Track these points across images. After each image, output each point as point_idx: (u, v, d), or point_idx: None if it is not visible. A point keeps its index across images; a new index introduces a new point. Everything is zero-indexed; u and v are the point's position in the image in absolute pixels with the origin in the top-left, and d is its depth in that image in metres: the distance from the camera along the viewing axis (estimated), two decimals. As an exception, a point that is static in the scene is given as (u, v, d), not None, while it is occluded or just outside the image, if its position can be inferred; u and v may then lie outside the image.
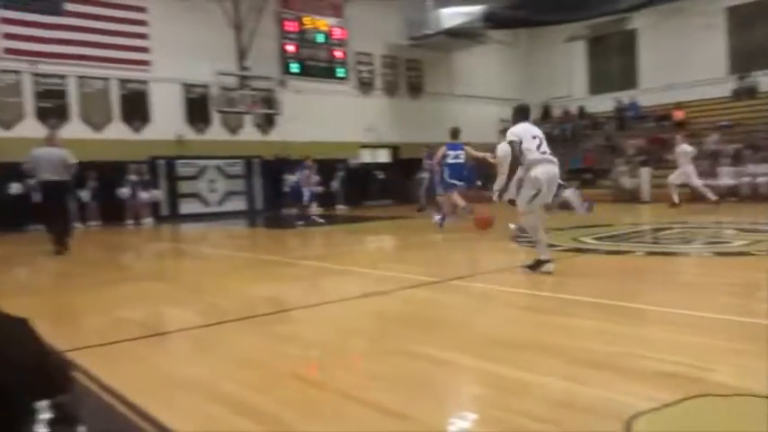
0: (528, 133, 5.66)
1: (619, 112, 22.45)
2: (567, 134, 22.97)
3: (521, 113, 5.96)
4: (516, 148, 5.57)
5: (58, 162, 8.94)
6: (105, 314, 4.97)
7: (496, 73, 25.84)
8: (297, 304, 5.10)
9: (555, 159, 5.68)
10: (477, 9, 19.77)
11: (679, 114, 20.42)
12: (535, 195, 5.56)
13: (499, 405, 2.58)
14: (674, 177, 13.66)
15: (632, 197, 16.88)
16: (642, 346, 3.35)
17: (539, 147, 5.60)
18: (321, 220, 13.71)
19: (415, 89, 23.69)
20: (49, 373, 1.48)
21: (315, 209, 14.69)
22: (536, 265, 5.63)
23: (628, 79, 23.85)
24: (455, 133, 11.38)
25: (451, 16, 20.56)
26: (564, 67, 25.69)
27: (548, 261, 5.62)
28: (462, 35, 21.45)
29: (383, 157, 23.40)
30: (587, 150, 21.22)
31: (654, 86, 22.46)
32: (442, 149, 11.10)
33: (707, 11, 20.67)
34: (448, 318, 4.36)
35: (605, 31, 22.22)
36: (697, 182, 13.40)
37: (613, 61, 24.51)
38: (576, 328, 3.86)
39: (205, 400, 2.78)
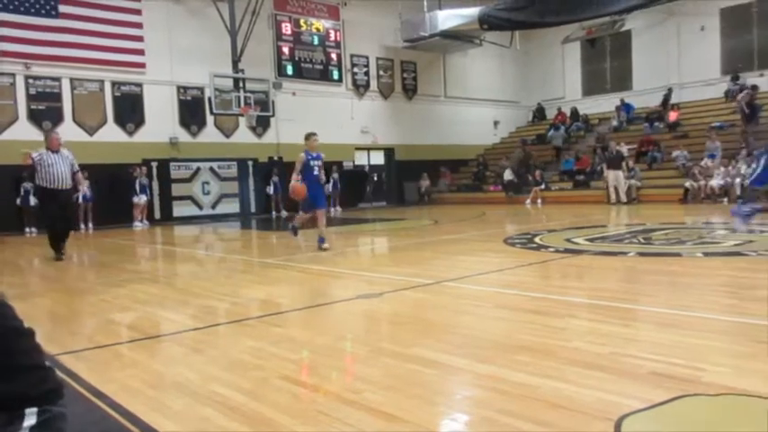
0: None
1: (616, 113, 22.50)
2: (560, 136, 22.96)
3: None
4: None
5: (69, 169, 8.76)
6: (96, 317, 4.96)
7: (491, 75, 25.92)
8: (289, 307, 5.09)
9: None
10: (472, 11, 19.81)
11: (673, 116, 20.50)
12: None
13: (490, 406, 2.58)
14: None
15: (628, 199, 16.94)
16: (634, 346, 3.36)
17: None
18: None
19: (410, 91, 23.72)
20: (46, 383, 1.52)
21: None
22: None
23: (621, 81, 23.96)
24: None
25: (447, 18, 20.61)
26: (558, 69, 25.80)
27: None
28: (457, 37, 21.50)
29: (378, 158, 23.42)
30: (580, 152, 21.26)
31: (647, 88, 22.56)
32: None
33: (701, 12, 20.79)
34: (440, 319, 4.36)
35: (600, 33, 22.33)
36: None
37: (608, 63, 24.62)
38: (568, 328, 3.86)
39: (196, 403, 2.78)
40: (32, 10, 15.61)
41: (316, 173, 8.88)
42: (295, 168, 8.86)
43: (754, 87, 18.10)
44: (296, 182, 8.70)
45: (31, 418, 1.46)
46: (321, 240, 8.87)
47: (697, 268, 6.06)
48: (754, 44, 20.50)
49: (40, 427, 1.46)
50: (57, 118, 16.08)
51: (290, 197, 9.55)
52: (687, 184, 16.04)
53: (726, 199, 15.20)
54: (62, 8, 16.02)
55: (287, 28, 20.09)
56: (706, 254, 6.84)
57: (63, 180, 8.66)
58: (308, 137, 9.14)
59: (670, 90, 21.23)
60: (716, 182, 15.57)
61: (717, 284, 5.20)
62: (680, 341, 3.39)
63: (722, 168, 15.76)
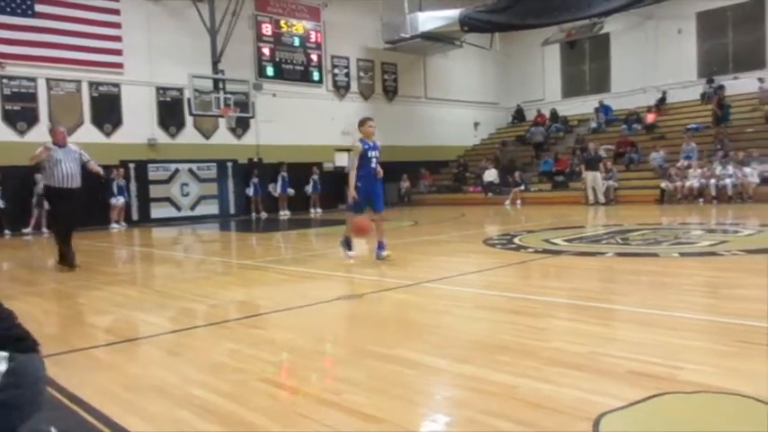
0: None
1: (595, 115, 22.73)
2: (540, 132, 23.11)
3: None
4: None
5: (77, 166, 8.02)
6: (72, 320, 4.88)
7: (471, 76, 26.01)
8: (270, 308, 5.06)
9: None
10: (453, 13, 19.89)
11: (651, 117, 20.75)
12: None
13: (471, 406, 2.59)
14: None
15: (606, 200, 17.10)
16: (612, 345, 3.39)
17: None
18: None
19: (391, 92, 23.73)
20: (14, 330, 1.73)
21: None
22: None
23: (600, 83, 24.21)
24: None
25: (428, 20, 20.64)
26: (538, 71, 25.98)
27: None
28: (438, 39, 21.56)
29: (358, 160, 23.38)
30: (559, 153, 21.44)
31: (625, 90, 22.84)
32: None
33: (678, 16, 21.09)
34: (421, 320, 4.36)
35: (579, 35, 22.57)
36: None
37: (587, 65, 24.87)
38: (548, 328, 3.89)
39: (173, 405, 2.74)
40: (8, 9, 15.32)
41: (373, 165, 7.67)
42: (351, 162, 7.52)
43: (722, 88, 18.42)
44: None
45: (1, 364, 1.55)
46: (380, 247, 7.49)
47: (674, 268, 6.13)
48: (729, 47, 20.84)
49: (8, 374, 1.54)
50: (32, 119, 15.81)
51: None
52: (663, 184, 16.24)
53: (701, 199, 15.43)
54: (38, 7, 15.75)
55: (267, 29, 19.99)
56: (682, 254, 6.93)
57: (72, 178, 7.94)
58: (363, 122, 7.77)
59: (664, 93, 21.48)
60: (692, 183, 15.79)
61: (693, 284, 5.27)
62: (658, 340, 3.43)
63: (698, 169, 15.99)
